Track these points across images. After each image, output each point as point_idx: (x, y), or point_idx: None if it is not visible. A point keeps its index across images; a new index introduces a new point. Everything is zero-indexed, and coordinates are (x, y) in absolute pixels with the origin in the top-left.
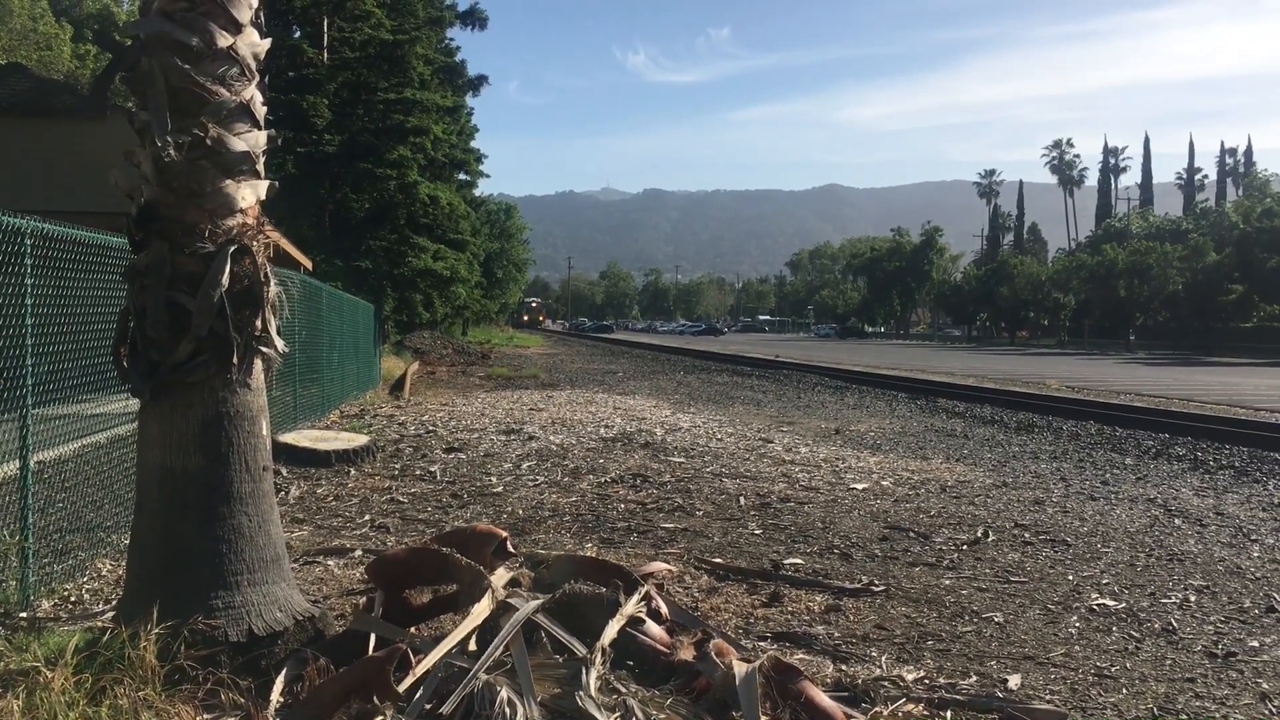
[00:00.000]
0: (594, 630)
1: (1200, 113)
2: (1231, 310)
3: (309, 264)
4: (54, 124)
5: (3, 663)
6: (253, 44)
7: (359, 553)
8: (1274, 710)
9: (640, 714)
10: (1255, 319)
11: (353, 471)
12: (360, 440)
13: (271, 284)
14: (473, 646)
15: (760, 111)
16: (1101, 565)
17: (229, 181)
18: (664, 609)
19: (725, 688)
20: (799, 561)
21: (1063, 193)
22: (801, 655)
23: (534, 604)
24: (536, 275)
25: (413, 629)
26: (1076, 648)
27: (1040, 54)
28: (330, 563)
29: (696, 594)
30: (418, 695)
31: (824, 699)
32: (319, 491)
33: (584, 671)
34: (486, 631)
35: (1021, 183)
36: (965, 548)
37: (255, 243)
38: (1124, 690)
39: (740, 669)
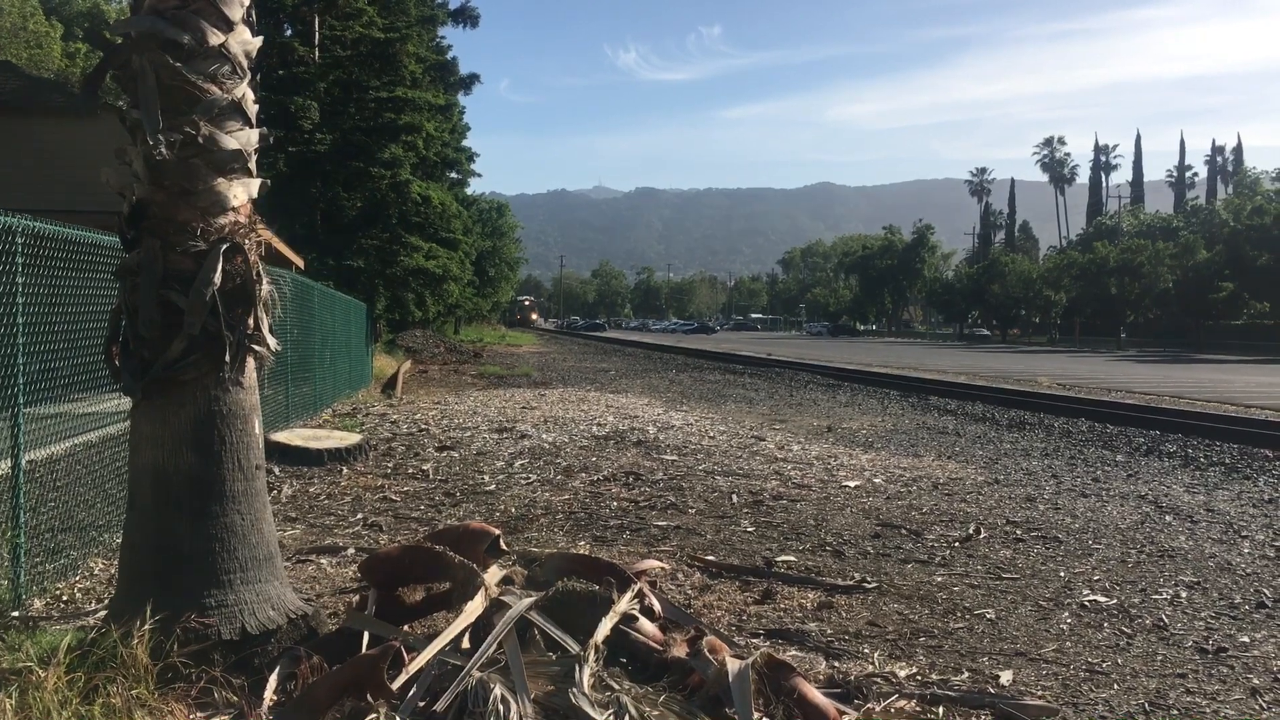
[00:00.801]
0: (587, 628)
1: (1191, 111)
2: (1222, 308)
3: (301, 262)
4: (44, 122)
5: None
6: (244, 42)
7: (352, 551)
8: (1264, 705)
9: (634, 711)
10: (1245, 317)
11: (345, 470)
12: (353, 439)
13: (264, 282)
14: (466, 644)
15: (752, 110)
16: (1093, 562)
17: (221, 179)
18: (657, 606)
19: (718, 684)
20: (791, 559)
21: (1054, 191)
22: (794, 652)
23: (527, 602)
24: (529, 274)
25: (406, 627)
26: (1068, 644)
27: (1032, 52)
28: (323, 561)
29: (689, 591)
30: (411, 693)
31: (817, 695)
32: (311, 490)
33: (577, 669)
34: (480, 629)
35: (1013, 181)
36: (957, 545)
37: (248, 241)
38: (1115, 686)
39: (733, 666)
